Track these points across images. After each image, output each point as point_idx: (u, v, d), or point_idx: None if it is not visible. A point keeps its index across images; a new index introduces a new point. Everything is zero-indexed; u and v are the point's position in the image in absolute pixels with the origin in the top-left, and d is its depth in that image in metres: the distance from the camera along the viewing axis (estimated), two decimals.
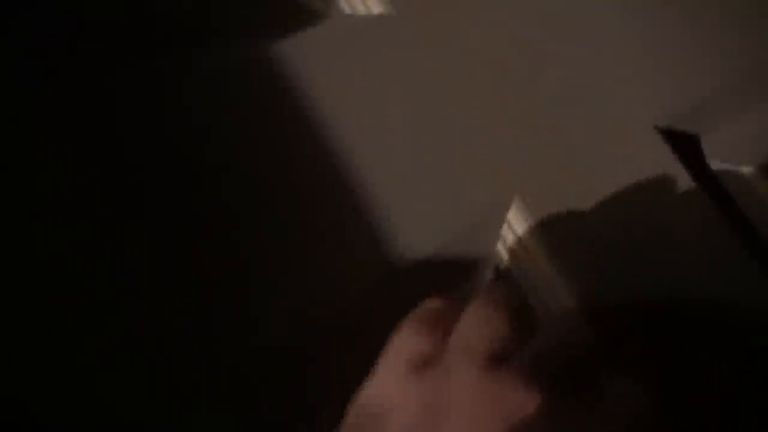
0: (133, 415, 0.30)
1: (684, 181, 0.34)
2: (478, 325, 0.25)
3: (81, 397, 0.30)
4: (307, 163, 0.33)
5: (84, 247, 0.31)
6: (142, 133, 0.33)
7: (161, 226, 0.32)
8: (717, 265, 0.33)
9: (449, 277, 0.32)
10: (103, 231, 0.31)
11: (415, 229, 0.32)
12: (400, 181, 0.32)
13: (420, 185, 0.32)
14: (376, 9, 0.36)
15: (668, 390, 0.29)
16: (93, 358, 0.31)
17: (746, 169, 0.35)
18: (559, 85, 0.35)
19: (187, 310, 0.31)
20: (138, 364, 0.31)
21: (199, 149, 0.33)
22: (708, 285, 0.32)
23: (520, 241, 0.32)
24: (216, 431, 0.31)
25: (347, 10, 0.36)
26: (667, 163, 0.34)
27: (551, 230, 0.32)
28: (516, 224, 0.32)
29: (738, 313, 0.32)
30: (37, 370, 0.30)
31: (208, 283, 0.32)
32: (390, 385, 0.24)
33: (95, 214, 0.32)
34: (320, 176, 0.32)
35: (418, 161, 0.32)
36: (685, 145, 0.35)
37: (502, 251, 0.33)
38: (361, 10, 0.36)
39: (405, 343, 0.25)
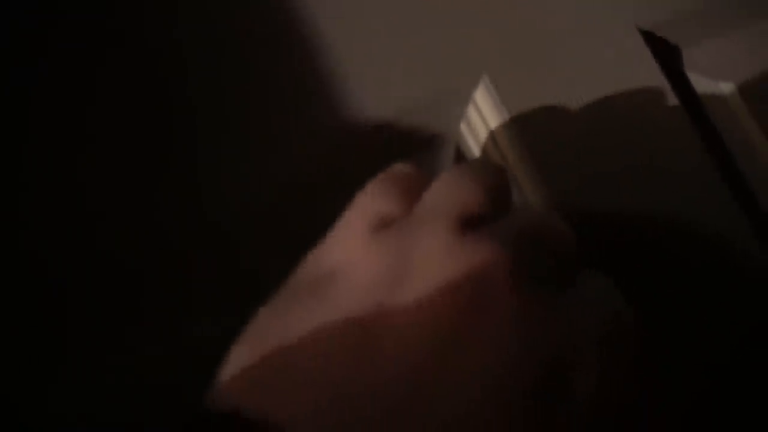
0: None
1: (661, 87, 0.32)
2: (450, 189, 0.23)
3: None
4: (266, 25, 0.31)
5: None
6: None
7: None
8: (689, 181, 0.32)
9: (408, 149, 0.31)
10: None
11: (375, 97, 0.30)
12: (363, 46, 0.31)
13: (384, 52, 0.31)
14: None
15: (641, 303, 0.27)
16: None
17: (725, 87, 0.34)
18: None
19: (131, 173, 0.30)
20: (79, 231, 0.29)
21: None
22: (680, 201, 0.31)
23: (492, 135, 0.31)
24: (149, 305, 0.29)
25: None
26: (647, 67, 0.33)
27: (523, 127, 0.31)
28: (482, 104, 0.31)
29: (703, 231, 0.31)
30: None
31: (158, 148, 0.30)
32: (348, 243, 0.22)
33: None
34: (279, 38, 0.31)
35: (384, 27, 0.31)
36: (665, 52, 0.34)
37: (465, 131, 0.32)
38: None
39: (369, 202, 0.23)
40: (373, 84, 0.31)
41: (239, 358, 0.20)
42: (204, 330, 0.29)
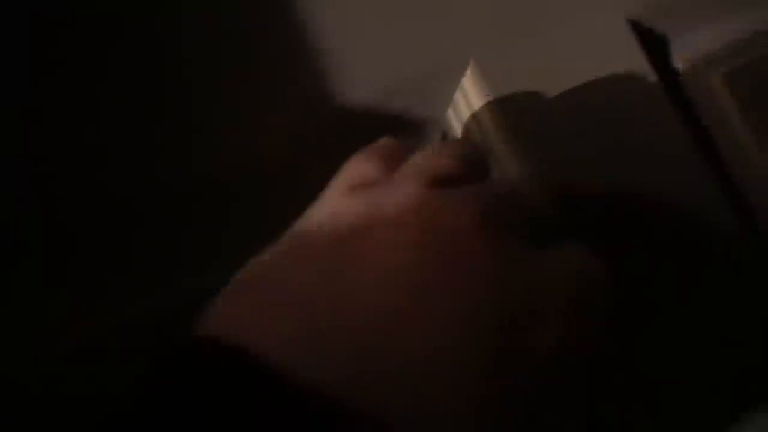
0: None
1: (648, 76, 0.33)
2: (428, 156, 0.24)
3: None
4: (258, 7, 0.31)
5: None
6: None
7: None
8: (669, 165, 0.32)
9: (394, 134, 0.31)
10: None
11: (363, 81, 0.30)
12: (353, 30, 0.31)
13: (373, 37, 0.31)
14: None
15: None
16: None
17: (712, 76, 0.34)
18: None
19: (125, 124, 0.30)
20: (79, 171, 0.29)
21: None
22: (658, 184, 0.31)
23: (475, 115, 0.31)
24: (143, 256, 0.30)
25: None
26: (633, 56, 0.33)
27: (507, 108, 0.31)
28: (470, 91, 0.31)
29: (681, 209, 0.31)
30: None
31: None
32: (331, 201, 0.23)
33: None
34: (273, 13, 0.31)
35: (373, 12, 0.31)
36: (652, 42, 0.34)
37: (452, 117, 0.32)
38: None
39: (354, 166, 0.24)
40: (361, 68, 0.31)
41: (226, 297, 0.22)
42: (196, 282, 0.29)
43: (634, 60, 0.33)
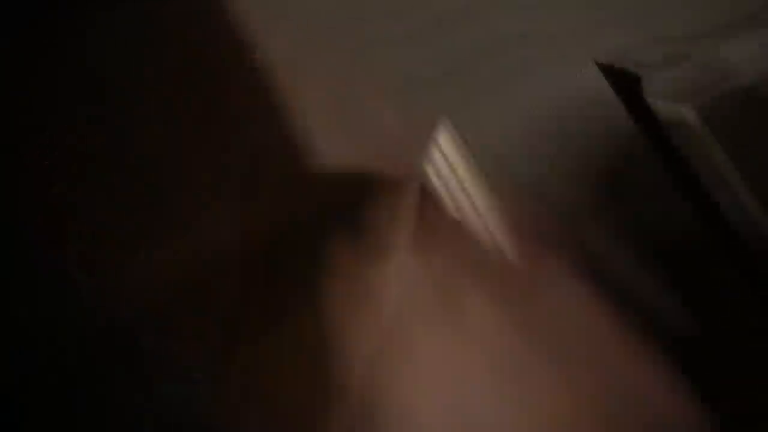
0: None
1: (623, 118, 0.33)
2: None
3: None
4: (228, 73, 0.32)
5: None
6: None
7: None
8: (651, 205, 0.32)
9: (372, 193, 0.32)
10: None
11: (337, 142, 0.31)
12: (322, 90, 0.32)
13: (344, 96, 0.32)
14: None
15: None
16: None
17: (685, 111, 0.35)
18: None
19: None
20: None
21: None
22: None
23: (448, 162, 0.32)
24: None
25: None
26: (606, 99, 0.34)
27: (483, 158, 0.32)
28: (445, 145, 0.32)
29: None
30: None
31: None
32: None
33: None
34: (242, 84, 0.32)
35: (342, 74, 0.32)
36: (624, 83, 0.34)
37: (429, 171, 0.33)
38: None
39: None
40: (337, 130, 0.32)
41: None
42: None
43: (607, 103, 0.34)
